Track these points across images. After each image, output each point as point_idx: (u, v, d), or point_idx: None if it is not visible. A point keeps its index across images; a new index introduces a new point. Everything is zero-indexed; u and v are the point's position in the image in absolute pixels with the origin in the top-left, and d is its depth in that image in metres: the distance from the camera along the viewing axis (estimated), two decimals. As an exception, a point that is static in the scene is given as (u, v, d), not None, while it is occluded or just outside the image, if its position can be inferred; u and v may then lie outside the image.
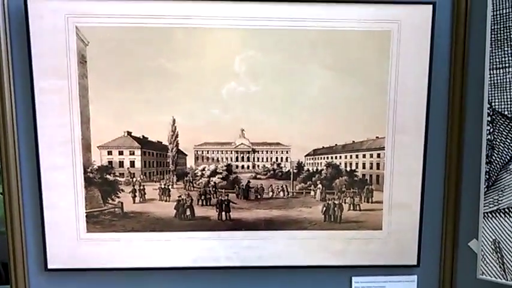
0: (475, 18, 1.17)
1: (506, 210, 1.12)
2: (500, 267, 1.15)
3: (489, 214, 1.15)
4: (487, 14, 1.09)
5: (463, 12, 1.17)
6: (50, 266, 1.22)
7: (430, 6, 1.15)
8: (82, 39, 1.13)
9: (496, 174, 1.13)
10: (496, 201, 1.13)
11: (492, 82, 1.11)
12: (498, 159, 1.12)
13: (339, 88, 1.19)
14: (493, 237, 1.15)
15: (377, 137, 1.22)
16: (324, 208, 1.25)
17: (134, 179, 1.21)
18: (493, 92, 1.11)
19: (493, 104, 1.11)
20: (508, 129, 1.10)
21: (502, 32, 1.08)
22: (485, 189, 1.14)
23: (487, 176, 1.14)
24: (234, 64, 1.16)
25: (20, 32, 1.13)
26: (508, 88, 1.09)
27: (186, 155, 1.21)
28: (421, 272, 1.29)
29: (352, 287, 1.29)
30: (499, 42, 1.09)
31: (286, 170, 1.24)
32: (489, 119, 1.12)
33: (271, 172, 1.24)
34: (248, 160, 1.23)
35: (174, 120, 1.18)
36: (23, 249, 1.22)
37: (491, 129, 1.12)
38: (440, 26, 1.17)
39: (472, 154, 1.20)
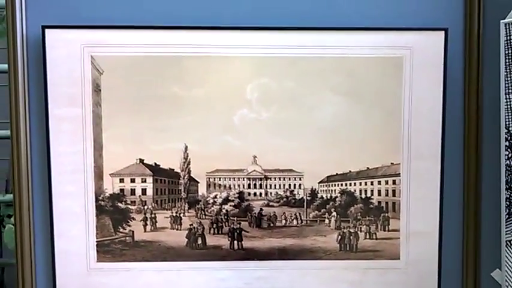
0: (488, 43, 1.16)
1: (530, 238, 1.08)
2: (526, 299, 1.09)
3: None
4: (500, 39, 1.09)
5: (476, 37, 1.17)
6: (58, 297, 1.20)
7: (442, 33, 1.16)
8: (97, 68, 1.15)
9: (517, 200, 1.09)
10: (519, 229, 1.09)
11: (508, 107, 1.09)
12: (518, 185, 1.09)
13: (352, 114, 1.18)
14: (517, 267, 1.10)
15: (392, 163, 1.20)
16: (339, 237, 1.21)
17: (145, 207, 1.20)
18: (509, 117, 1.09)
19: (510, 128, 1.09)
20: (528, 154, 1.08)
21: (516, 56, 1.08)
22: (507, 216, 1.10)
23: (508, 203, 1.10)
24: (246, 91, 1.17)
25: (36, 61, 1.15)
26: (525, 112, 1.07)
27: (198, 182, 1.20)
28: (442, 304, 1.24)
29: (370, 320, 1.24)
30: (514, 67, 1.08)
31: (300, 197, 1.21)
32: (507, 144, 1.10)
33: (284, 199, 1.22)
34: (260, 187, 1.22)
35: (186, 148, 1.18)
36: (32, 279, 1.20)
37: (510, 154, 1.10)
38: (453, 51, 1.17)
39: (491, 180, 1.16)
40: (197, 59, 1.15)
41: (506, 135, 1.10)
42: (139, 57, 1.14)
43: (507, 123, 1.09)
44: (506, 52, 1.09)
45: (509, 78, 1.09)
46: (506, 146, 1.10)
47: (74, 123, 1.16)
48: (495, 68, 1.11)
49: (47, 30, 1.13)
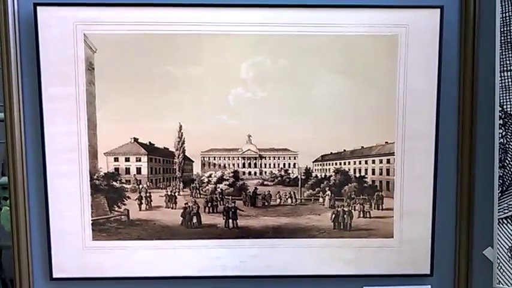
0: (483, 21, 1.16)
1: (522, 215, 1.09)
2: (517, 275, 1.10)
3: (504, 220, 1.11)
4: (496, 16, 1.08)
5: (472, 15, 1.16)
6: (55, 275, 1.21)
7: (438, 10, 1.15)
8: (90, 47, 1.14)
9: (510, 178, 1.10)
10: (511, 206, 1.10)
11: (503, 85, 1.09)
12: (512, 163, 1.10)
13: (347, 93, 1.17)
14: (509, 244, 1.11)
15: (386, 142, 1.20)
16: (333, 215, 1.22)
17: (140, 186, 1.20)
18: (504, 95, 1.09)
19: (504, 106, 1.09)
20: (521, 132, 1.08)
21: (511, 33, 1.07)
22: (499, 194, 1.11)
23: (501, 181, 1.11)
24: (241, 70, 1.16)
25: (29, 40, 1.14)
26: (519, 90, 1.07)
27: (193, 162, 1.20)
28: (434, 282, 1.25)
29: (364, 297, 1.26)
30: (509, 44, 1.08)
31: (294, 176, 1.22)
32: (501, 122, 1.10)
33: (279, 178, 1.22)
34: (255, 166, 1.22)
35: (180, 127, 1.18)
36: (28, 258, 1.21)
37: (504, 133, 1.10)
38: (449, 29, 1.16)
39: (484, 158, 1.17)
40: (191, 37, 1.14)
41: (500, 114, 1.10)
42: (133, 35, 1.13)
43: (501, 101, 1.10)
44: (502, 29, 1.08)
45: (504, 56, 1.08)
46: (500, 124, 1.10)
47: (68, 103, 1.16)
48: (490, 46, 1.11)
49: (38, 8, 1.12)
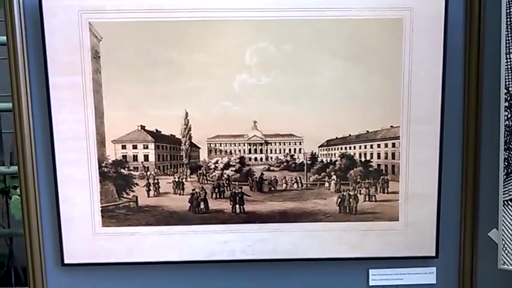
0: (489, 3, 1.15)
1: (527, 197, 1.09)
2: (522, 256, 1.11)
3: (509, 202, 1.12)
4: (502, -2, 1.08)
5: (477, -4, 1.16)
6: (66, 261, 1.23)
7: (443, -8, 1.14)
8: (95, 35, 1.15)
9: (515, 160, 1.10)
10: (516, 188, 1.10)
11: (508, 67, 1.09)
12: (517, 145, 1.10)
13: (351, 78, 1.17)
14: (514, 226, 1.12)
15: (392, 126, 1.20)
16: (339, 199, 1.23)
17: (148, 173, 1.22)
18: (509, 77, 1.09)
19: (510, 89, 1.09)
20: (527, 114, 1.08)
21: (517, 15, 1.06)
22: (505, 176, 1.12)
23: (506, 163, 1.11)
24: (245, 56, 1.16)
25: (34, 29, 1.15)
26: (525, 72, 1.07)
27: (199, 148, 1.21)
28: (440, 263, 1.27)
29: (369, 279, 1.27)
30: (515, 26, 1.07)
31: (300, 161, 1.23)
32: (507, 104, 1.10)
33: (285, 164, 1.23)
34: (261, 152, 1.23)
35: (186, 114, 1.18)
36: (40, 245, 1.23)
37: (509, 115, 1.10)
38: (454, 11, 1.16)
39: (489, 141, 1.17)
40: (195, 24, 1.14)
41: (506, 96, 1.10)
42: (137, 22, 1.14)
43: (507, 83, 1.09)
44: (508, 11, 1.07)
45: (509, 38, 1.08)
46: (505, 106, 1.10)
47: (75, 91, 1.16)
48: (496, 28, 1.10)
49: (43, -3, 1.12)
